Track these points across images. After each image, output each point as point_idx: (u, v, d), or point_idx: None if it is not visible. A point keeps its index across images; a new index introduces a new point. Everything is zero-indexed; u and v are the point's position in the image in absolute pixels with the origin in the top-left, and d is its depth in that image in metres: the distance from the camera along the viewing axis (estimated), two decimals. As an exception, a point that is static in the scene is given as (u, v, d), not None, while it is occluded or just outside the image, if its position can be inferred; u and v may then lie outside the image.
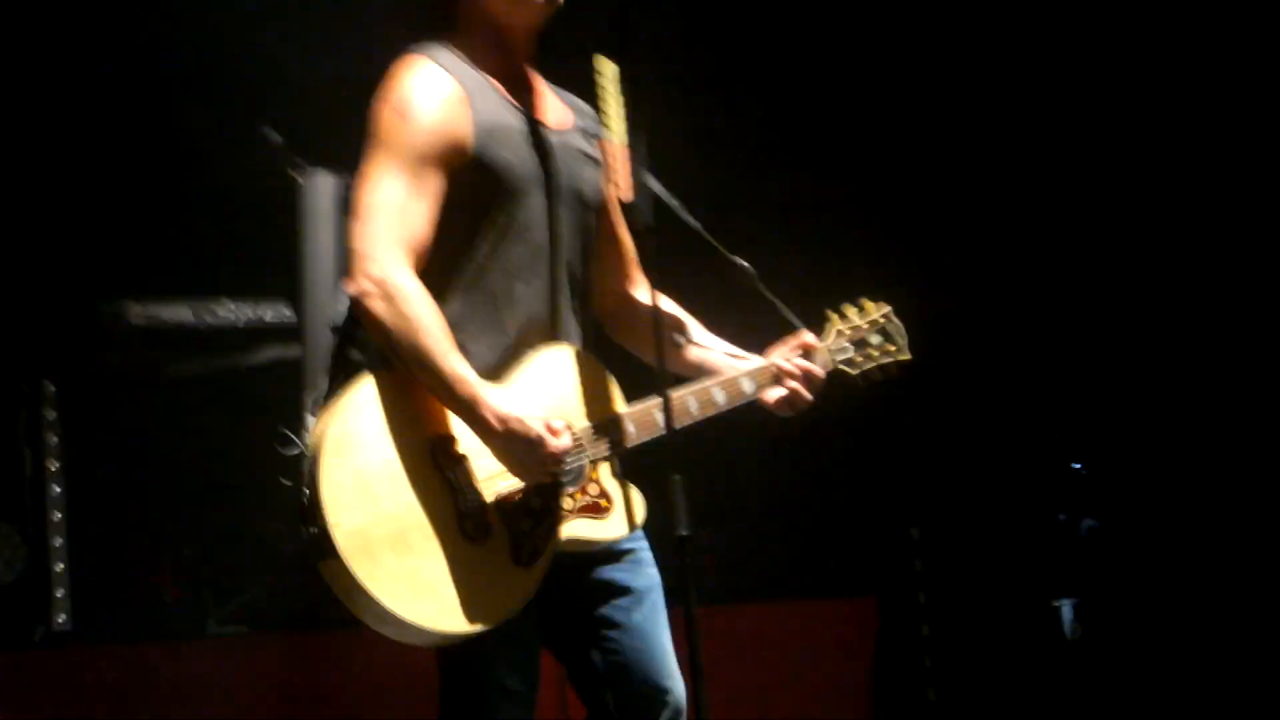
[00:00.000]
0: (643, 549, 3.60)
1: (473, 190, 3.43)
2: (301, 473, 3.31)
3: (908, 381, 3.86)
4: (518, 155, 3.46)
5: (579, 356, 3.53)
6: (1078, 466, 6.29)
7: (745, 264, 3.76)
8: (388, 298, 3.29)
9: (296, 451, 3.43)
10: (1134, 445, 6.47)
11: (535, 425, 3.34)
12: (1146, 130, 6.57)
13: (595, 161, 3.64)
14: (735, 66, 6.32)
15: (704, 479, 3.45)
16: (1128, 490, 6.41)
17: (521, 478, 3.37)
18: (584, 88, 3.60)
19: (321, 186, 4.85)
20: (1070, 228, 6.63)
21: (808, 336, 3.77)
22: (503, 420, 3.32)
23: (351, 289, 3.33)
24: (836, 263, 6.05)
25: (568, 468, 3.43)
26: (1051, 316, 6.63)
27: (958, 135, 6.59)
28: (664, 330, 3.49)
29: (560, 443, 3.37)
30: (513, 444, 3.33)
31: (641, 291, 3.75)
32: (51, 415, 5.27)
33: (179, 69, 5.71)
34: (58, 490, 5.30)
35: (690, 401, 3.58)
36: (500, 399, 3.34)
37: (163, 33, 5.71)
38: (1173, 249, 6.53)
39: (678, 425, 3.37)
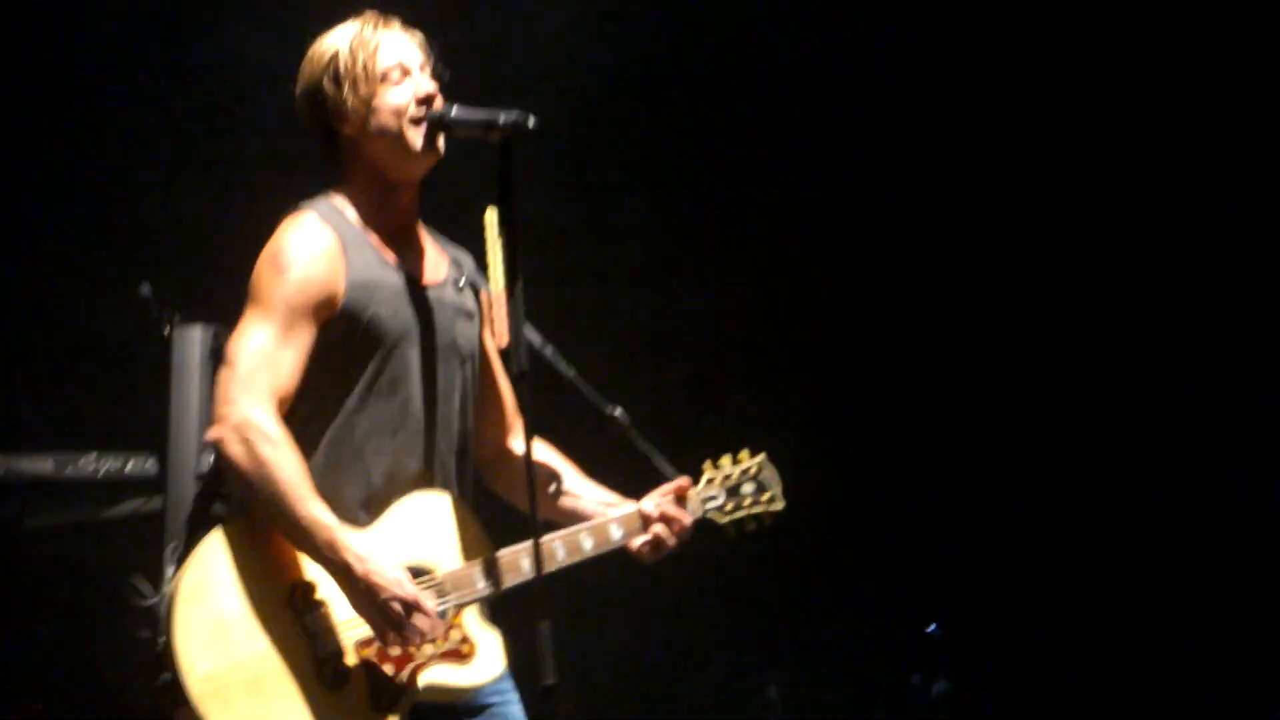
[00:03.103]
0: (508, 701, 3.53)
1: (342, 342, 3.42)
2: (157, 622, 3.26)
3: (773, 531, 3.84)
4: (389, 310, 3.46)
5: (450, 502, 3.49)
6: (932, 629, 6.25)
7: (619, 413, 3.75)
8: (245, 442, 3.26)
9: (151, 601, 3.36)
10: (989, 609, 6.40)
11: (394, 573, 3.29)
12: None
13: (470, 314, 3.63)
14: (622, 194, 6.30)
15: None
16: (983, 654, 6.35)
17: (372, 625, 3.30)
18: (470, 234, 3.59)
19: (192, 339, 4.80)
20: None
21: (680, 482, 3.74)
22: (361, 561, 3.27)
23: (211, 434, 3.31)
24: (731, 403, 6.01)
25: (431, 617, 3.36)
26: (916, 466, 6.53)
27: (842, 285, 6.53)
28: (537, 476, 3.46)
29: (418, 598, 3.30)
30: (369, 589, 3.26)
31: (519, 440, 3.71)
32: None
33: (51, 217, 5.68)
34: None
35: (558, 548, 3.54)
36: (360, 543, 3.29)
37: (39, 180, 5.68)
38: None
39: (545, 571, 3.30)
